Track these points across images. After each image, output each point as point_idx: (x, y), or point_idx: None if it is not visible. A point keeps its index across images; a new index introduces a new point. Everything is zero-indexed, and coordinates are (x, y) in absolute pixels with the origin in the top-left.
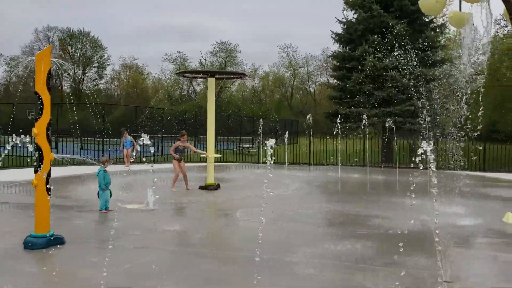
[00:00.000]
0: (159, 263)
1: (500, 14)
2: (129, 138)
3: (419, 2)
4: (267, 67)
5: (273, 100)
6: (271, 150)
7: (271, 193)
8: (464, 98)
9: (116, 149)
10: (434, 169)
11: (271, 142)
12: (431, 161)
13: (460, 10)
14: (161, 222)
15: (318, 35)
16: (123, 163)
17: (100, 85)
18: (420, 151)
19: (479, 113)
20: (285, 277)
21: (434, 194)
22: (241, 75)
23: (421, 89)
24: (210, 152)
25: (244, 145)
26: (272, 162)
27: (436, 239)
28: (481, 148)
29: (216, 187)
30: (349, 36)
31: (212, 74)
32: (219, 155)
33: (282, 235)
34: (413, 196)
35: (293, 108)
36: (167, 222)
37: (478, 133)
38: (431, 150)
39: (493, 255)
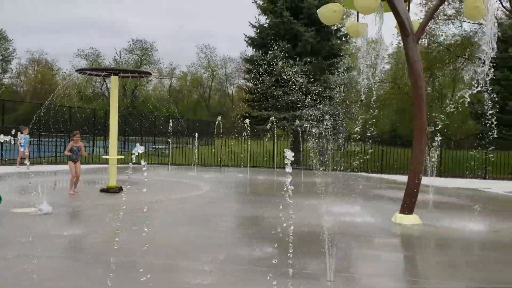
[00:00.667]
0: (41, 272)
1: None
2: (27, 137)
3: (318, 11)
4: (185, 67)
5: (191, 100)
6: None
7: (174, 196)
8: (358, 104)
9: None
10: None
11: (139, 148)
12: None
13: (358, 20)
14: (52, 227)
15: (237, 37)
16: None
17: (4, 80)
18: (287, 161)
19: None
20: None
21: (329, 194)
22: (146, 74)
23: (327, 94)
24: (113, 153)
25: (157, 146)
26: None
27: (327, 239)
28: (370, 150)
29: (118, 190)
30: (261, 41)
31: (115, 72)
32: (121, 157)
33: (181, 239)
34: (315, 196)
35: (211, 109)
36: (59, 227)
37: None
38: (292, 158)
39: (379, 254)
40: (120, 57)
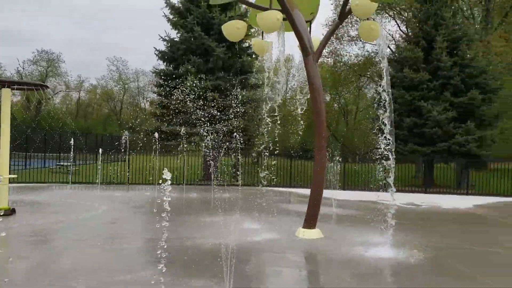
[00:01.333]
0: None
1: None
2: None
3: (222, 27)
4: (94, 80)
5: (101, 114)
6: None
7: (70, 217)
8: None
9: None
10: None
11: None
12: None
13: (262, 38)
14: None
15: (151, 50)
16: None
17: None
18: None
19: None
20: None
21: (237, 211)
22: (42, 86)
23: (239, 109)
24: (4, 172)
25: (62, 163)
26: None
27: (229, 257)
28: (274, 162)
29: (11, 211)
30: (172, 55)
31: (8, 84)
32: (14, 176)
33: (71, 262)
34: (223, 212)
35: (122, 124)
36: None
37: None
38: (169, 179)
39: (280, 270)
40: (23, 68)
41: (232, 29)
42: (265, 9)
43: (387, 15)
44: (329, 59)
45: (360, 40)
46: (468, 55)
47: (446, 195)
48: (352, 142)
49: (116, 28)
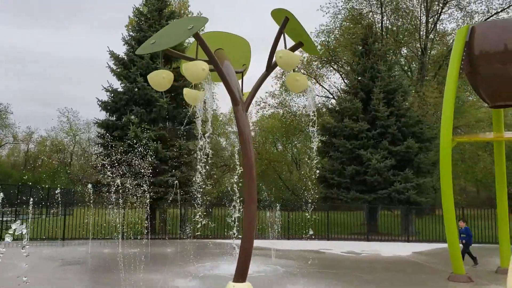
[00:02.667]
0: None
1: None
2: None
3: (148, 76)
4: (44, 131)
5: (50, 166)
6: None
7: None
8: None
9: None
10: None
11: None
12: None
13: (194, 88)
14: None
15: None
16: None
17: None
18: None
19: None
20: None
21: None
22: None
23: (183, 160)
24: None
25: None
26: None
27: None
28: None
29: None
30: (115, 105)
31: None
32: None
33: None
34: (158, 269)
35: (73, 176)
36: None
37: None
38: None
39: None
40: None
41: (158, 78)
42: (192, 60)
43: (331, 68)
44: (279, 110)
45: (306, 91)
46: (404, 106)
47: (389, 243)
48: (302, 191)
49: (66, 78)
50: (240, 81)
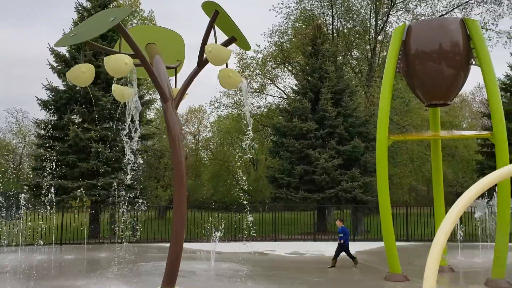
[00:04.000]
0: None
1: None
2: None
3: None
4: None
5: None
6: None
7: None
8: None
9: None
10: None
11: None
12: None
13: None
14: None
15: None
16: None
17: None
18: None
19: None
20: None
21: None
22: None
23: (128, 161)
24: None
25: None
26: None
27: None
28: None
29: None
30: (55, 104)
31: None
32: None
33: None
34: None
35: (20, 179)
36: None
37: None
38: None
39: None
40: None
41: (77, 73)
42: (115, 53)
43: (285, 69)
44: (234, 110)
45: (263, 92)
46: (351, 106)
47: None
48: (258, 192)
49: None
50: (173, 77)
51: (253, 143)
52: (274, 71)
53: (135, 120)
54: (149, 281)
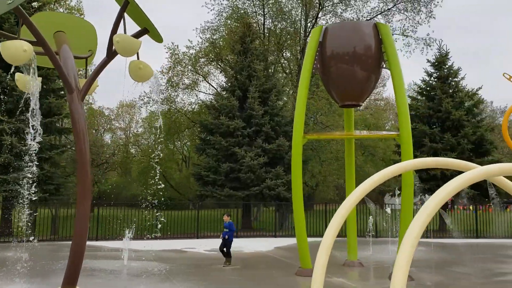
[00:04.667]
0: None
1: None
2: None
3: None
4: None
5: None
6: None
7: None
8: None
9: None
10: None
11: None
12: None
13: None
14: None
15: None
16: None
17: None
18: None
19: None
20: None
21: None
22: None
23: (42, 156)
24: None
25: None
26: None
27: None
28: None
29: None
30: None
31: None
32: None
33: None
34: None
35: None
36: None
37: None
38: None
39: None
40: None
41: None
42: (14, 39)
43: (218, 66)
44: (164, 106)
45: (195, 89)
46: (278, 105)
47: (259, 238)
48: (188, 189)
49: None
50: (84, 68)
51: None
52: (206, 68)
53: (35, 112)
54: (50, 281)
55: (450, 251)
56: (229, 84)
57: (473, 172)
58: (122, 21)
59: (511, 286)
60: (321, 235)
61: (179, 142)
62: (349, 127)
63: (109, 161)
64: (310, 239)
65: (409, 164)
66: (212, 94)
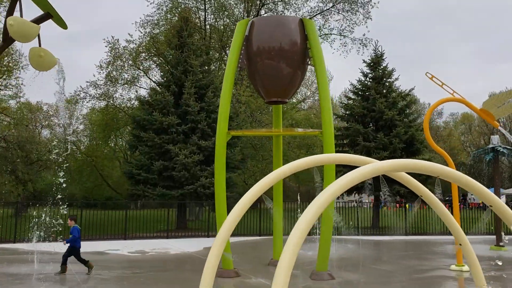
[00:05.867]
0: None
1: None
2: None
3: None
4: None
5: None
6: None
7: None
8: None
9: None
10: None
11: None
12: None
13: None
14: None
15: None
16: None
17: None
18: None
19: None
20: None
21: None
22: None
23: None
24: None
25: None
26: None
27: None
28: None
29: None
30: None
31: None
32: None
33: None
34: None
35: None
36: None
37: None
38: None
39: None
40: None
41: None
42: None
43: (159, 61)
44: (101, 102)
45: (135, 84)
46: (215, 102)
47: (192, 239)
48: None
49: None
50: None
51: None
52: (147, 63)
53: None
54: None
55: (379, 249)
56: (164, 79)
57: (364, 168)
58: (18, 3)
59: (428, 283)
60: (252, 234)
61: (121, 140)
62: (277, 124)
63: (42, 158)
64: (242, 238)
65: (308, 161)
66: (153, 89)
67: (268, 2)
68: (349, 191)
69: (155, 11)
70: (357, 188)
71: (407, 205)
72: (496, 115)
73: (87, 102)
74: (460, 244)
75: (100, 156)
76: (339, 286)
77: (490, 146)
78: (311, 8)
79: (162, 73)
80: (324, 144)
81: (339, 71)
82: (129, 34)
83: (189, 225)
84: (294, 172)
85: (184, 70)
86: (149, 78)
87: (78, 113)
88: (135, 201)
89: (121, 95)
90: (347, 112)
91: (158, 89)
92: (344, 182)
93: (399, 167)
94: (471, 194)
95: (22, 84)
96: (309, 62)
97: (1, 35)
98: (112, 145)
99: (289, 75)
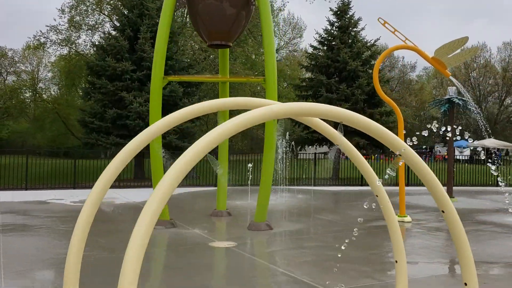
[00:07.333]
0: None
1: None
2: None
3: None
4: None
5: None
6: None
7: None
8: None
9: None
10: None
11: None
12: None
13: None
14: None
15: None
16: None
17: None
18: None
19: None
20: None
21: None
22: None
23: None
24: None
25: None
26: None
27: None
28: None
29: None
30: None
31: None
32: None
33: None
34: None
35: None
36: None
37: None
38: None
39: None
40: None
41: None
42: None
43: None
44: (63, 48)
45: (98, 30)
46: (173, 49)
47: (146, 189)
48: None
49: None
50: None
51: None
52: (111, 7)
53: None
54: None
55: (331, 199)
56: (119, 24)
57: (254, 112)
58: None
59: (364, 234)
60: (209, 184)
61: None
62: (224, 70)
63: (1, 105)
64: (196, 189)
65: (205, 106)
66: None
67: None
68: (320, 143)
69: None
70: (326, 140)
71: (373, 156)
72: (448, 64)
73: (47, 48)
74: (377, 195)
75: (63, 104)
76: (273, 236)
77: (446, 97)
78: None
79: (117, 17)
80: (266, 92)
81: (312, 23)
82: None
83: (147, 175)
84: (190, 118)
85: (140, 14)
86: (114, 24)
87: (47, 60)
88: (105, 151)
89: (85, 41)
90: (312, 63)
91: (114, 33)
92: (228, 127)
93: (292, 112)
94: (437, 147)
95: None
96: (254, 2)
97: None
98: (79, 93)
99: (233, 16)
